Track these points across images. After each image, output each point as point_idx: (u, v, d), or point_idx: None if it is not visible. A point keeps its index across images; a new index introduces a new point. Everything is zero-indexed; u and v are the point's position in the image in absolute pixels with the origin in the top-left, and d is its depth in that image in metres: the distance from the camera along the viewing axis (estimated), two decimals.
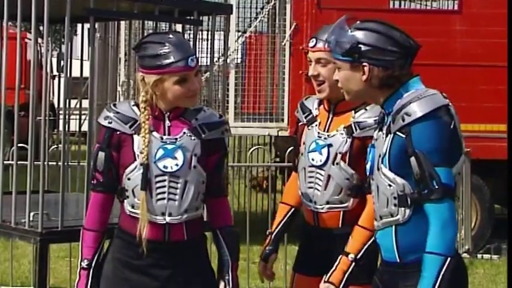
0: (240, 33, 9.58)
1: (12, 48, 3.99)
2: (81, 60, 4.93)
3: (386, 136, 3.01)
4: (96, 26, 5.06)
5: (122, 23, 5.59)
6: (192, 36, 4.29)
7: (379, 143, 3.06)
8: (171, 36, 3.35)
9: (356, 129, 3.70)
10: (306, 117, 3.88)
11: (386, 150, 2.99)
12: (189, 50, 3.36)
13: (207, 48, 7.06)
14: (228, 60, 8.54)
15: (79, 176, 5.02)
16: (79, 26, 5.04)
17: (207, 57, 5.18)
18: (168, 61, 3.27)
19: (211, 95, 5.86)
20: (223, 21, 4.45)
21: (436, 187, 2.88)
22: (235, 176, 9.59)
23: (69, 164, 5.02)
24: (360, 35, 3.02)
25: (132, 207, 3.35)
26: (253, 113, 9.33)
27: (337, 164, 3.71)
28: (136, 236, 3.32)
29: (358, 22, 3.06)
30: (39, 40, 11.19)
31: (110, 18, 4.73)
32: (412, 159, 2.91)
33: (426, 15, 8.88)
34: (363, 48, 3.00)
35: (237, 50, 9.43)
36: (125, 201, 3.37)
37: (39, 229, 3.75)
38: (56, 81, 11.30)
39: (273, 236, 3.97)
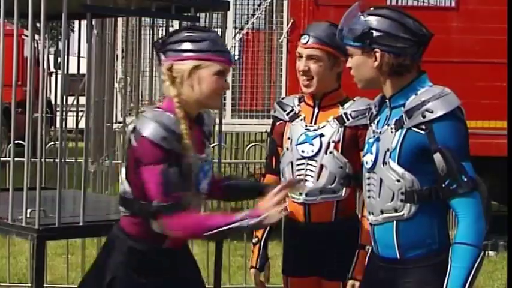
0: (237, 30, 9.58)
1: (9, 45, 3.98)
2: (78, 57, 4.93)
3: (397, 131, 2.98)
4: (93, 22, 5.06)
5: (119, 19, 5.58)
6: None
7: (385, 137, 3.02)
8: (211, 30, 3.22)
9: (348, 119, 3.74)
10: (287, 114, 3.87)
11: (397, 145, 2.97)
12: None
13: None
14: None
15: (76, 173, 5.02)
16: (76, 22, 5.04)
17: None
18: (215, 47, 3.07)
19: None
20: (221, 18, 4.44)
21: (465, 180, 2.89)
22: (232, 173, 9.57)
23: (66, 161, 5.01)
24: (372, 20, 2.99)
25: None
26: (251, 110, 9.33)
27: (330, 153, 3.72)
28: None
29: (371, 8, 3.03)
30: (36, 37, 11.17)
31: (107, 14, 4.73)
32: (437, 155, 2.90)
33: (423, 11, 8.87)
34: (375, 34, 2.97)
35: (234, 46, 9.42)
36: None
37: (36, 226, 3.74)
38: (53, 78, 11.27)
39: (262, 244, 3.95)
